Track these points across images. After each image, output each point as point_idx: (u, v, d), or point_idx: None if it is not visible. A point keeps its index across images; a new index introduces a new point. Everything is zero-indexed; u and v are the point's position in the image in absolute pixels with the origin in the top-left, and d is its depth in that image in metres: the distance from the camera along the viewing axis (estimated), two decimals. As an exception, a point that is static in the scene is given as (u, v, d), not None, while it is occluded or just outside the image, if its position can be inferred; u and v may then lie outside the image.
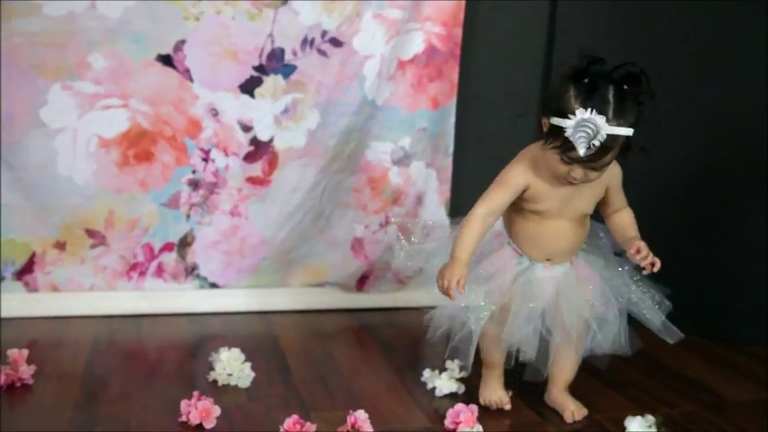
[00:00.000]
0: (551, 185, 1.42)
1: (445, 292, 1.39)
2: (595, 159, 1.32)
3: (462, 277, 1.39)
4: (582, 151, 1.30)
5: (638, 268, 1.45)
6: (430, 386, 1.63)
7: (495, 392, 1.57)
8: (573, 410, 1.53)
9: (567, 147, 1.31)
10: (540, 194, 1.43)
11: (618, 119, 1.30)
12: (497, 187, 1.43)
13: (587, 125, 1.28)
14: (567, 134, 1.30)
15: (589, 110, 1.29)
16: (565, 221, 1.46)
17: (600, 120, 1.28)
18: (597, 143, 1.29)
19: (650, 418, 1.45)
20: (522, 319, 1.45)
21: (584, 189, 1.43)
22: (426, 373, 1.65)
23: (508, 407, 1.55)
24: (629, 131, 1.31)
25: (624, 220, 1.51)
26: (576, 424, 1.51)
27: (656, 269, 1.41)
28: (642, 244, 1.42)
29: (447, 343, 1.53)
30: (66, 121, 1.96)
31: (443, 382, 1.62)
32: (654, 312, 1.48)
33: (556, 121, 1.32)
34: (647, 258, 1.41)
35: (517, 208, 1.47)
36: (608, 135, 1.29)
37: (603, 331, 1.46)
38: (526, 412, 1.55)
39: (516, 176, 1.42)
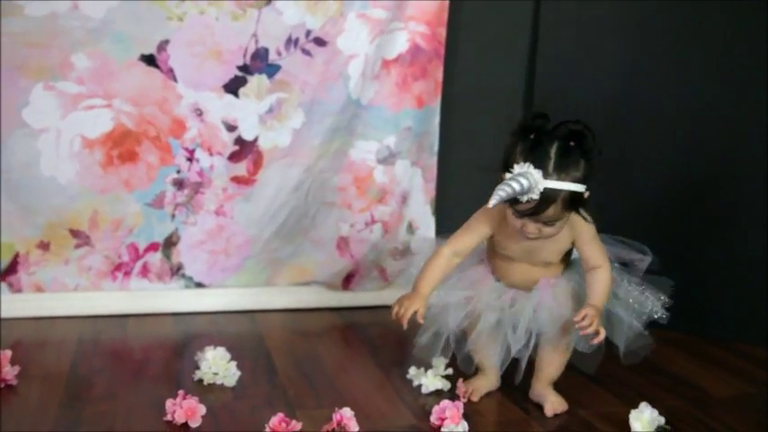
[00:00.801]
0: (513, 237, 1.46)
1: (398, 319, 1.45)
2: (538, 212, 1.35)
3: (422, 308, 1.45)
4: (521, 204, 1.34)
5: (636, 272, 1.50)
6: (416, 383, 1.63)
7: (473, 384, 1.59)
8: (553, 403, 1.54)
9: (513, 200, 1.35)
10: (504, 243, 1.50)
11: (558, 173, 1.34)
12: (464, 231, 1.51)
13: (522, 178, 1.32)
14: None
15: (527, 164, 1.33)
16: (533, 266, 1.50)
17: (537, 173, 1.32)
18: (534, 196, 1.33)
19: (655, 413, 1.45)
20: (488, 327, 1.51)
21: (546, 242, 1.46)
22: (412, 371, 1.66)
23: (474, 399, 1.57)
24: (570, 186, 1.35)
25: (593, 282, 1.47)
26: (560, 420, 1.51)
27: (596, 341, 1.42)
28: (588, 312, 1.41)
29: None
30: (49, 122, 1.95)
31: (429, 380, 1.62)
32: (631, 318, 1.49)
33: (505, 175, 1.35)
34: (587, 329, 1.40)
35: (491, 242, 1.53)
36: (547, 189, 1.33)
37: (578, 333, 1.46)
38: (511, 408, 1.56)
39: (480, 225, 1.49)
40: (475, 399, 1.57)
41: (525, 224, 1.39)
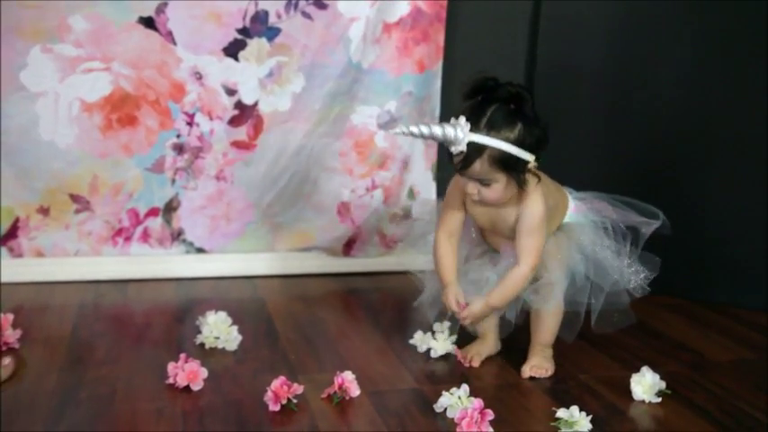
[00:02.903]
0: (474, 205, 1.49)
1: (456, 314, 1.51)
2: (465, 166, 1.38)
3: (458, 295, 1.50)
4: (454, 158, 1.38)
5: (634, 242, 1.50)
6: (423, 348, 1.64)
7: (472, 349, 1.60)
8: (533, 367, 1.54)
9: (450, 158, 1.40)
10: (472, 212, 1.52)
11: (489, 130, 1.36)
12: (444, 210, 1.54)
13: (449, 126, 1.36)
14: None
15: (462, 117, 1.36)
16: (508, 240, 1.50)
17: (465, 126, 1.35)
18: (461, 148, 1.36)
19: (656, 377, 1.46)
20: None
21: (500, 216, 1.48)
22: (418, 336, 1.65)
23: (475, 364, 1.58)
24: (497, 143, 1.36)
25: (505, 276, 1.48)
26: (561, 384, 1.52)
27: (462, 321, 1.51)
28: (473, 308, 1.48)
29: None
30: (47, 85, 1.94)
31: (440, 344, 1.62)
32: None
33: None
34: (460, 314, 1.49)
35: None
36: (472, 142, 1.35)
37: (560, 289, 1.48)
38: (512, 373, 1.56)
39: (453, 197, 1.52)
40: (476, 364, 1.58)
41: (466, 183, 1.42)
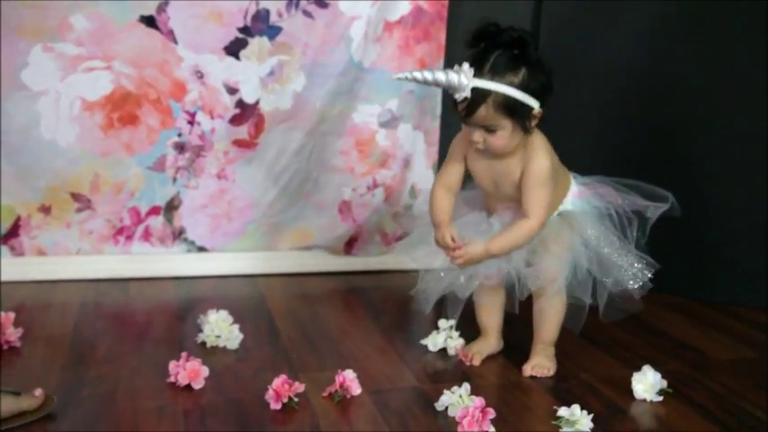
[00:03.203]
0: (477, 160, 1.47)
1: (447, 253, 1.46)
2: (470, 112, 1.37)
3: (453, 234, 1.45)
4: (458, 105, 1.37)
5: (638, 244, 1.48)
6: (437, 348, 1.63)
7: (474, 348, 1.60)
8: (535, 366, 1.54)
9: (453, 103, 1.39)
10: (474, 169, 1.50)
11: (492, 75, 1.35)
12: (446, 163, 1.53)
13: (452, 72, 1.35)
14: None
15: (465, 63, 1.35)
16: (509, 202, 1.48)
17: (468, 71, 1.35)
18: (465, 94, 1.35)
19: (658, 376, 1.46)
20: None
21: (503, 171, 1.46)
22: (430, 338, 1.64)
23: (476, 363, 1.57)
24: (502, 88, 1.35)
25: (511, 226, 1.45)
26: (562, 383, 1.52)
27: (454, 261, 1.44)
28: (469, 249, 1.43)
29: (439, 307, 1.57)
30: (48, 84, 1.94)
31: (454, 340, 1.62)
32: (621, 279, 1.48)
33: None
34: (456, 260, 1.44)
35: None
36: (477, 88, 1.35)
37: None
38: (514, 372, 1.56)
39: (455, 152, 1.51)
40: (477, 363, 1.58)
41: (472, 132, 1.40)
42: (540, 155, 1.43)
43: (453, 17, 2.12)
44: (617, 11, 2.03)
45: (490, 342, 1.62)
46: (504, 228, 1.46)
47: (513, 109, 1.37)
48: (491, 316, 1.59)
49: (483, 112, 1.37)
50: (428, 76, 1.35)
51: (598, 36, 2.06)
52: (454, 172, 1.51)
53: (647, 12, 1.99)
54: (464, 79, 1.34)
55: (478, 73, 1.35)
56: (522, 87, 1.37)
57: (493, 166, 1.47)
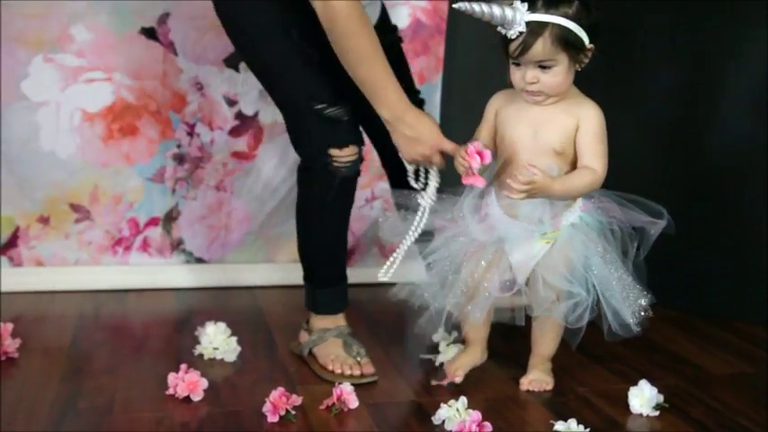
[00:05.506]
0: (520, 109, 1.45)
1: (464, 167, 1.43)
2: (527, 48, 1.36)
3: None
4: (512, 44, 1.36)
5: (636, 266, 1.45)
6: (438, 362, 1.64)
7: (455, 363, 1.57)
8: (532, 381, 1.54)
9: (504, 43, 1.38)
10: (509, 119, 1.47)
11: (547, 8, 1.35)
12: (480, 126, 1.53)
13: (508, 8, 1.35)
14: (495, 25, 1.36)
15: (518, 1, 1.35)
16: (538, 158, 1.43)
17: (522, 6, 1.35)
18: (521, 29, 1.34)
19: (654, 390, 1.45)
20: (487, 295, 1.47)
21: (550, 119, 1.43)
22: (440, 356, 1.64)
23: (458, 380, 1.54)
24: (558, 19, 1.35)
25: (575, 172, 1.42)
26: (559, 397, 1.52)
27: (510, 192, 1.36)
28: (538, 179, 1.35)
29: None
30: (48, 95, 1.94)
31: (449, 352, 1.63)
32: (620, 305, 1.45)
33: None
34: (516, 186, 1.35)
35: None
36: (533, 21, 1.34)
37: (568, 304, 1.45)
38: (509, 384, 1.56)
39: (488, 105, 1.52)
40: (458, 380, 1.54)
41: (524, 73, 1.39)
42: (593, 107, 1.44)
43: (452, 31, 2.12)
44: (616, 15, 2.02)
45: (474, 355, 1.59)
46: (571, 173, 1.42)
47: (569, 41, 1.37)
48: (478, 329, 1.57)
49: (540, 45, 1.36)
50: (485, 9, 1.35)
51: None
52: (485, 133, 1.51)
53: (645, 12, 1.99)
54: (518, 14, 1.35)
55: (532, 8, 1.35)
56: (576, 20, 1.36)
57: (533, 112, 1.45)
